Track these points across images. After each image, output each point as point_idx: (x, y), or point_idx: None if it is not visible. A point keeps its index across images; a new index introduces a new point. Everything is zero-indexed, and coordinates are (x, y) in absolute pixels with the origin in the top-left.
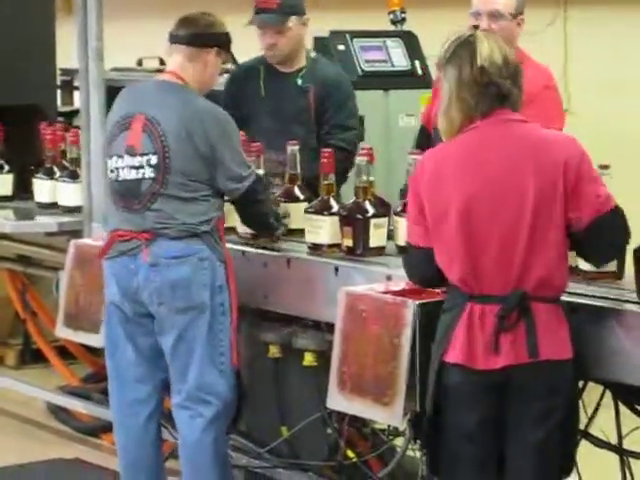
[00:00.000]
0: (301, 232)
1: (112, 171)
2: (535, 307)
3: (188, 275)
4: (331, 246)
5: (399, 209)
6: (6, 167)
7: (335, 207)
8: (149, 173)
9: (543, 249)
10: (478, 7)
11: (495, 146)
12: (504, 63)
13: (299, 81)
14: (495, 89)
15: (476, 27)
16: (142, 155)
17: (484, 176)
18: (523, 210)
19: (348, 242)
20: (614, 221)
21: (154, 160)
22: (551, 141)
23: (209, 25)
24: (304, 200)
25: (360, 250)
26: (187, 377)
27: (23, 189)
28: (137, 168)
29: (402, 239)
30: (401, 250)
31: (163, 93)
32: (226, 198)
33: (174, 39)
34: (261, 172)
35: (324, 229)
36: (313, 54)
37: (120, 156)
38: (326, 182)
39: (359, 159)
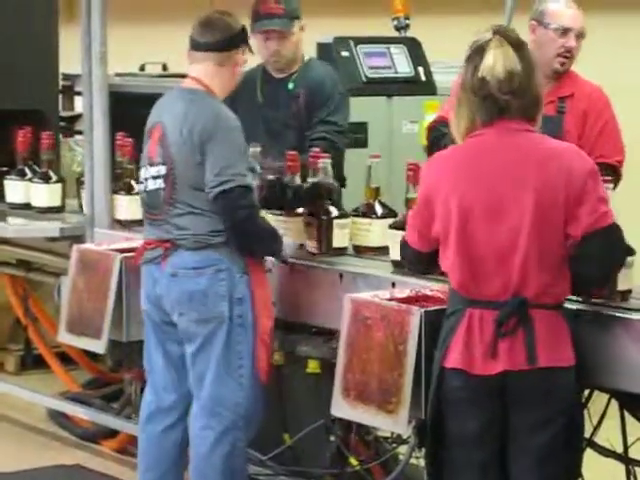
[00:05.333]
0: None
1: (141, 182)
2: (535, 314)
3: (204, 287)
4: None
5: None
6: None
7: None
8: (160, 183)
9: (543, 259)
10: (566, 23)
11: (495, 155)
12: (506, 77)
13: (290, 85)
14: (492, 102)
15: (496, 32)
16: (156, 165)
17: (482, 185)
18: (522, 221)
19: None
20: (607, 238)
21: (163, 170)
22: (558, 152)
23: (233, 24)
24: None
25: (323, 249)
26: (202, 386)
27: None
28: (155, 178)
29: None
30: (357, 251)
31: (177, 101)
32: None
33: (204, 47)
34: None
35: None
36: (306, 58)
37: (145, 167)
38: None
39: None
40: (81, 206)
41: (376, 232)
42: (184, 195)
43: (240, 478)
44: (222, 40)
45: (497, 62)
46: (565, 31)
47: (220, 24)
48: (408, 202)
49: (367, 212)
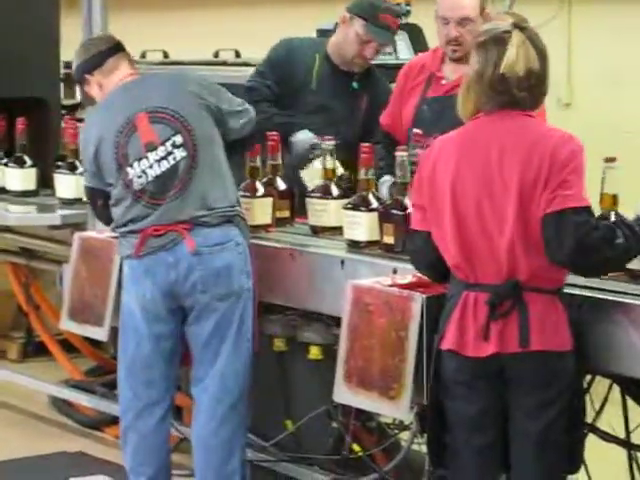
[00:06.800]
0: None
1: (139, 176)
2: (529, 297)
3: (229, 262)
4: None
5: None
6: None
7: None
8: (180, 153)
9: (529, 244)
10: (445, 13)
11: (488, 139)
12: (526, 75)
13: (355, 85)
14: (508, 97)
15: (516, 26)
16: (163, 143)
17: (472, 168)
18: (507, 205)
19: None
20: (561, 221)
21: (179, 139)
22: (548, 136)
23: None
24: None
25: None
26: (216, 363)
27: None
28: (166, 157)
29: None
30: (314, 231)
31: (146, 87)
32: None
33: (116, 49)
34: None
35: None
36: None
37: (141, 158)
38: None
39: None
40: (53, 189)
41: (332, 212)
42: (205, 152)
43: (242, 455)
44: (118, 41)
45: (519, 60)
46: (446, 21)
47: (103, 35)
48: (361, 183)
49: (323, 193)
